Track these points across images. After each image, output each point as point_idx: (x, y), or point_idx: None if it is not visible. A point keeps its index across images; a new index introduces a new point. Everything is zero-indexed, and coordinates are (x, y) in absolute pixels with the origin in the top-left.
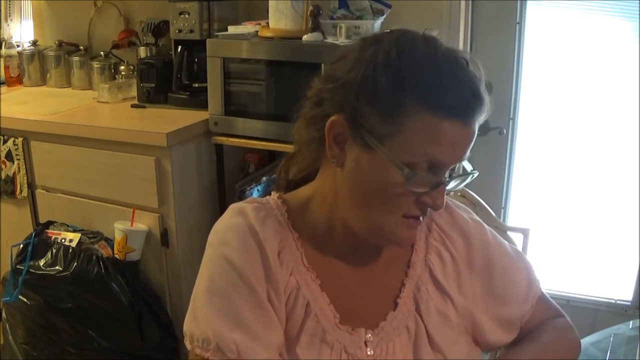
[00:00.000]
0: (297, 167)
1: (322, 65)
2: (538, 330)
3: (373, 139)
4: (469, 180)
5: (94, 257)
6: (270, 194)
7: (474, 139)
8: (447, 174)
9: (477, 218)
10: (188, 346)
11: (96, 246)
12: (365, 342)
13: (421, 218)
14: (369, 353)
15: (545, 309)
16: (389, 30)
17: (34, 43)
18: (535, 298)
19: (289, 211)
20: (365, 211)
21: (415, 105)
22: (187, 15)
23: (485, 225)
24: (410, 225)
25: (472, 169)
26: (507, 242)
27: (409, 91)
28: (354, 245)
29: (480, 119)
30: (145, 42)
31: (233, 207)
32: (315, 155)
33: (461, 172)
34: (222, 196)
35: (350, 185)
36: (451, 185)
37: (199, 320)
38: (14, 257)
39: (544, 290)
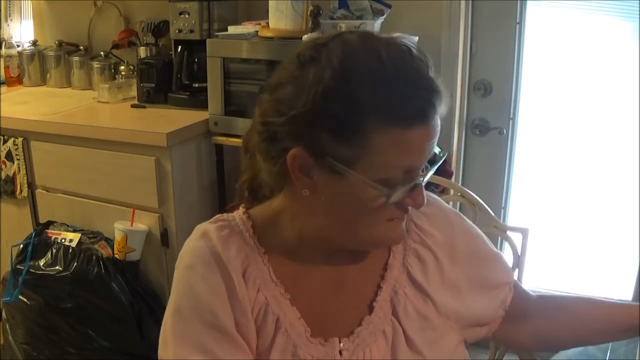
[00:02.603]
0: (261, 190)
1: None
2: (562, 299)
3: (340, 165)
4: (440, 163)
5: (94, 257)
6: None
7: (439, 131)
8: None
9: (452, 208)
10: None
11: (96, 246)
12: (340, 352)
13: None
14: None
15: (522, 290)
16: (323, 42)
17: (34, 43)
18: (512, 282)
19: (255, 226)
20: (350, 229)
21: (376, 123)
22: (187, 15)
23: (461, 214)
24: (396, 225)
25: (439, 150)
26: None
27: (366, 111)
28: (328, 253)
29: (441, 110)
30: (145, 42)
31: (197, 229)
32: (280, 183)
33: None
34: (222, 196)
35: (328, 211)
36: (426, 178)
37: (167, 345)
38: (14, 257)
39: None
